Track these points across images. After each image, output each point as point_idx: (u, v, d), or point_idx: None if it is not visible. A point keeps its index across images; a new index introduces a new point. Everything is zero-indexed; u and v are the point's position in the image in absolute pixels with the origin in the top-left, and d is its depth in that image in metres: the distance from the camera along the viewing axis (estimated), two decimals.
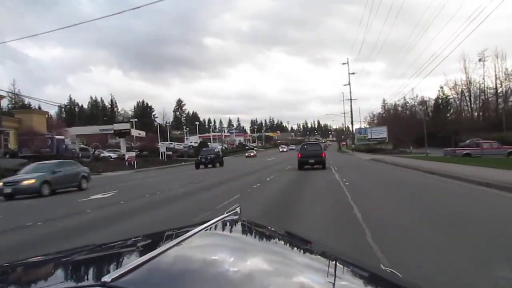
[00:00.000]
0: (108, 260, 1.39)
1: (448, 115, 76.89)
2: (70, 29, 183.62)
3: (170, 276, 1.02)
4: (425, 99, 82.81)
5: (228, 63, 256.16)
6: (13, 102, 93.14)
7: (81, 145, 55.88)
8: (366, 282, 1.26)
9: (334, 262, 1.33)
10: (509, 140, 38.09)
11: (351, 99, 78.17)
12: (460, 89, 75.52)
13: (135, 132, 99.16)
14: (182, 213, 10.28)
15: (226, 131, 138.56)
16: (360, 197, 11.30)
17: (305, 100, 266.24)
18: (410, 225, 7.42)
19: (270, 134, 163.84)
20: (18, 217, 11.84)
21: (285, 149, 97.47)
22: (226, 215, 1.72)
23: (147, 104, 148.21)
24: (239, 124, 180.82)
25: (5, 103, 75.46)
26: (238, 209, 1.86)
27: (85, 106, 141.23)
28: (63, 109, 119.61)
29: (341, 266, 1.32)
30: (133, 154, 50.42)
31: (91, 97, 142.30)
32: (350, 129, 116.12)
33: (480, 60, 66.13)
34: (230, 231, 1.68)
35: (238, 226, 1.73)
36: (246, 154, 71.77)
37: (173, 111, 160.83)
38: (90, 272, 1.24)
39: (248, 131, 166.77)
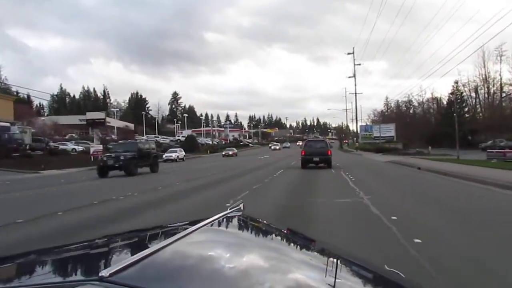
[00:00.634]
0: (107, 255, 1.35)
1: (463, 113, 68.00)
2: (70, 20, 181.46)
3: (169, 272, 0.99)
4: (436, 95, 74.15)
5: (229, 59, 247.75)
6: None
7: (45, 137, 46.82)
8: (368, 282, 1.22)
9: (336, 261, 1.31)
10: None
11: (356, 93, 69.22)
12: (474, 86, 66.85)
13: (120, 124, 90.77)
14: None
15: (221, 126, 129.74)
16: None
17: (305, 98, 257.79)
18: None
19: (268, 130, 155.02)
20: None
21: (277, 147, 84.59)
22: (230, 211, 1.66)
23: (141, 96, 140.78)
24: (236, 119, 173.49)
25: None
26: (241, 206, 1.77)
27: (77, 96, 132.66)
28: (54, 99, 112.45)
29: (343, 265, 1.29)
30: (100, 147, 41.64)
31: (83, 87, 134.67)
32: (351, 127, 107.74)
33: (498, 55, 57.47)
34: (232, 228, 1.60)
35: (241, 223, 1.66)
36: (224, 153, 57.27)
37: (168, 103, 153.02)
38: (89, 266, 1.21)
39: (246, 127, 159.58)
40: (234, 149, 62.10)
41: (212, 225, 1.41)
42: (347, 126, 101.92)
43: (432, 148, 52.28)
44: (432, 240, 5.71)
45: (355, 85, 69.21)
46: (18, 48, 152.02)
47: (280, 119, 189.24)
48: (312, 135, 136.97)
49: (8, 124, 35.39)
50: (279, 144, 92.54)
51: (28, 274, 1.17)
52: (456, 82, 68.28)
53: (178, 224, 1.64)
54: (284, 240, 1.69)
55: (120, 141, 34.57)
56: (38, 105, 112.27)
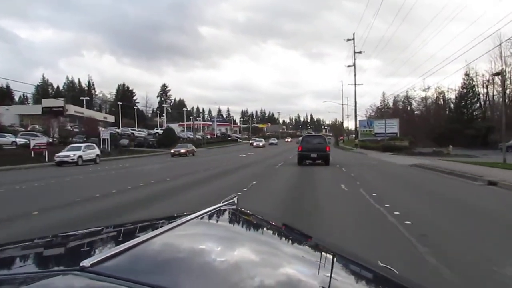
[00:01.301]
0: (91, 246, 1.29)
1: (475, 108, 59.73)
2: (62, 12, 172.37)
3: (154, 264, 0.93)
4: (442, 90, 65.71)
5: (223, 54, 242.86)
6: None
7: None
8: (362, 278, 1.21)
9: (331, 257, 1.28)
10: None
11: (355, 84, 60.63)
12: (486, 80, 58.55)
13: (97, 115, 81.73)
14: None
15: (210, 120, 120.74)
16: None
17: (299, 94, 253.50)
18: None
19: (259, 125, 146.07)
20: None
21: (260, 144, 66.47)
22: (223, 204, 1.60)
23: (127, 87, 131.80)
24: (229, 114, 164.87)
25: None
26: (235, 199, 1.70)
27: (61, 87, 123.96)
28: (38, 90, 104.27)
29: (338, 261, 1.26)
30: (43, 140, 32.86)
31: (67, 78, 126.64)
32: (345, 124, 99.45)
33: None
34: (224, 221, 1.54)
35: (233, 216, 1.60)
36: (173, 151, 42.04)
37: (157, 96, 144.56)
38: (71, 256, 1.18)
39: (238, 122, 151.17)
40: (190, 145, 45.86)
41: (203, 217, 1.35)
42: (341, 123, 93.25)
43: (440, 146, 44.22)
44: None
45: (355, 75, 60.66)
46: (5, 37, 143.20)
47: (273, 115, 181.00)
48: (305, 131, 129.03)
49: None
50: (263, 140, 75.83)
51: (8, 264, 1.10)
52: (467, 75, 59.79)
53: (169, 216, 1.52)
54: (279, 235, 1.61)
55: None
56: (22, 96, 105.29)
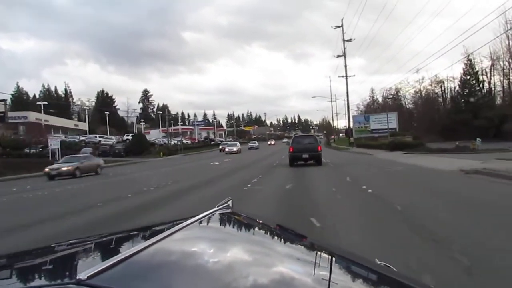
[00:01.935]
0: (86, 257, 1.24)
1: (480, 96, 52.25)
2: (43, 21, 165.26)
3: (153, 272, 0.90)
4: (441, 79, 58.23)
5: (208, 58, 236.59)
6: None
7: None
8: (359, 276, 1.16)
9: (328, 256, 1.27)
10: None
11: (346, 75, 52.70)
12: (492, 63, 51.28)
13: (67, 123, 72.93)
14: None
15: (192, 124, 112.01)
16: None
17: (285, 96, 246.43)
18: None
19: (246, 128, 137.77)
20: None
21: (233, 149, 50.12)
22: (218, 208, 1.56)
23: (107, 94, 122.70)
24: (214, 118, 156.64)
25: None
26: (230, 203, 1.66)
27: (37, 96, 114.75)
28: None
29: (334, 260, 1.23)
30: None
31: (43, 86, 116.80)
32: (336, 122, 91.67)
33: None
34: (220, 224, 1.54)
35: (229, 219, 1.58)
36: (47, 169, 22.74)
37: (139, 102, 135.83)
38: (66, 269, 1.11)
39: (225, 126, 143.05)
40: (89, 158, 27.37)
41: (200, 222, 1.33)
42: (332, 120, 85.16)
43: (444, 141, 36.77)
44: None
45: (345, 65, 52.80)
46: None
47: (260, 117, 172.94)
48: (293, 132, 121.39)
49: None
50: (237, 144, 57.99)
51: (2, 278, 1.03)
52: (469, 60, 52.28)
53: (165, 223, 1.50)
54: (274, 236, 1.60)
55: None
56: None
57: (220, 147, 60.37)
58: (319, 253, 1.30)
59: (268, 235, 1.58)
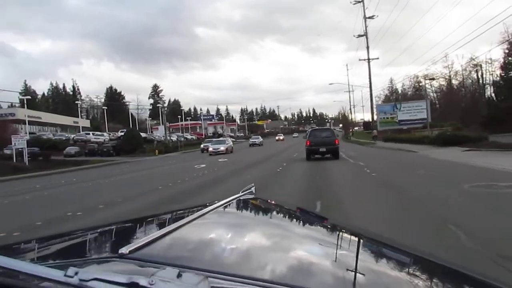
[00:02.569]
0: (126, 235, 1.37)
1: None
2: (57, 21, 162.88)
3: (185, 251, 0.99)
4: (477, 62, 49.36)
5: (221, 54, 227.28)
6: None
7: None
8: (388, 258, 1.15)
9: (356, 238, 1.29)
10: None
11: (368, 59, 44.60)
12: None
13: (64, 120, 66.82)
14: None
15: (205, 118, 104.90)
16: None
17: (300, 90, 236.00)
18: None
19: (258, 122, 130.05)
20: None
21: (220, 148, 36.34)
22: (242, 194, 1.60)
23: (115, 90, 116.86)
24: (227, 113, 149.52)
25: None
26: (253, 189, 1.68)
27: (46, 94, 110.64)
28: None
29: (361, 242, 1.25)
30: None
31: (51, 84, 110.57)
32: (353, 115, 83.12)
33: None
34: (244, 209, 1.57)
35: (253, 205, 1.61)
36: None
37: (148, 97, 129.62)
38: (109, 245, 1.23)
39: (238, 121, 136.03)
40: None
41: (225, 207, 1.37)
42: (350, 112, 76.45)
43: (498, 133, 28.73)
44: None
45: (367, 46, 44.73)
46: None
47: (274, 111, 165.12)
48: (309, 126, 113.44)
49: None
50: (227, 141, 41.15)
51: (49, 254, 1.17)
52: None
53: (192, 207, 1.57)
54: (296, 219, 1.63)
55: None
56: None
57: (202, 145, 41.47)
58: (342, 234, 1.33)
59: (291, 218, 1.61)
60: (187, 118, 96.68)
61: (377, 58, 45.91)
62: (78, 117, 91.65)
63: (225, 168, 18.46)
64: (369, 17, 44.70)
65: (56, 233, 1.43)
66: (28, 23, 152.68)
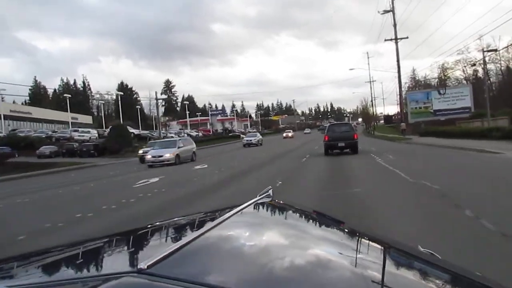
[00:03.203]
0: (143, 246, 1.26)
1: None
2: (75, 19, 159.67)
3: (207, 261, 0.92)
4: None
5: (237, 50, 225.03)
6: None
7: None
8: (401, 263, 1.12)
9: (369, 241, 1.25)
10: None
11: (396, 36, 36.48)
12: None
13: (61, 116, 61.00)
14: None
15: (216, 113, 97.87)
16: None
17: (317, 84, 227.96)
18: None
19: (273, 117, 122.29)
20: None
21: (165, 156, 20.95)
22: (259, 197, 1.54)
23: (126, 85, 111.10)
24: (243, 108, 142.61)
25: None
26: (270, 192, 1.63)
27: (57, 90, 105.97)
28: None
29: (374, 246, 1.20)
30: None
31: (61, 79, 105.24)
32: (375, 108, 74.20)
33: None
34: (263, 213, 1.50)
35: (271, 208, 1.56)
36: None
37: (161, 93, 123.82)
38: (125, 258, 1.11)
39: (254, 116, 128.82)
40: None
41: (244, 211, 1.32)
42: (372, 104, 67.33)
43: None
44: None
45: (395, 24, 36.55)
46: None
47: (290, 106, 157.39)
48: (326, 121, 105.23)
49: None
50: (186, 142, 25.08)
51: (65, 267, 1.08)
52: None
53: (210, 211, 1.55)
54: (313, 222, 1.58)
55: None
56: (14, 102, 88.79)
57: (141, 151, 26.87)
58: (357, 238, 1.30)
59: (308, 221, 1.59)
60: (197, 114, 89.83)
61: (407, 38, 37.43)
62: (89, 114, 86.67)
63: (185, 187, 11.01)
64: None
65: (65, 244, 1.27)
66: (46, 22, 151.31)
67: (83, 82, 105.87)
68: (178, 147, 22.02)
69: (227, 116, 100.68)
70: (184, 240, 0.90)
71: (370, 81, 62.32)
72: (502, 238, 3.94)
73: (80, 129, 41.30)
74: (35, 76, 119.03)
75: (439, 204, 6.00)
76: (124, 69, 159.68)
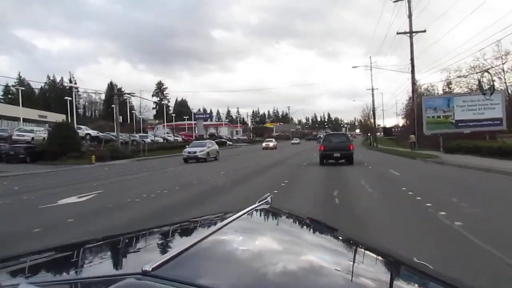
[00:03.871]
0: (146, 248, 1.24)
1: None
2: (76, 20, 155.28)
3: (208, 265, 0.93)
4: None
5: (237, 56, 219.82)
6: None
7: None
8: (393, 270, 1.12)
9: (362, 249, 1.25)
10: None
11: (411, 28, 29.17)
12: None
13: (30, 113, 53.21)
14: None
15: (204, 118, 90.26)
16: None
17: (315, 94, 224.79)
18: None
19: (267, 125, 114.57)
20: None
21: None
22: (258, 204, 1.54)
23: (115, 85, 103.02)
24: (238, 115, 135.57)
25: None
26: (269, 199, 1.63)
27: (42, 87, 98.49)
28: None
29: (366, 253, 1.22)
30: None
31: (47, 77, 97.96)
32: (373, 119, 66.61)
33: None
34: (262, 219, 1.51)
35: (269, 215, 1.57)
36: None
37: (152, 95, 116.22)
38: (130, 260, 1.10)
39: (249, 123, 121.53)
40: None
41: (244, 217, 1.33)
42: (374, 114, 59.34)
43: None
44: None
45: (410, 15, 29.42)
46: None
47: (287, 114, 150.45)
48: (323, 131, 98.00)
49: None
50: None
51: (68, 268, 1.04)
52: None
53: (210, 217, 1.56)
54: (309, 229, 1.61)
55: None
56: None
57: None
58: (350, 245, 1.32)
59: (304, 228, 1.61)
60: (184, 117, 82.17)
61: (424, 31, 30.01)
62: (75, 114, 79.39)
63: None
64: None
65: (69, 243, 1.26)
66: (47, 21, 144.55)
67: (70, 80, 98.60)
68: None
69: (215, 121, 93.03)
70: (187, 244, 0.91)
71: (372, 89, 54.95)
72: None
73: (23, 127, 33.34)
74: (19, 72, 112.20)
75: None
76: (122, 72, 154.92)
